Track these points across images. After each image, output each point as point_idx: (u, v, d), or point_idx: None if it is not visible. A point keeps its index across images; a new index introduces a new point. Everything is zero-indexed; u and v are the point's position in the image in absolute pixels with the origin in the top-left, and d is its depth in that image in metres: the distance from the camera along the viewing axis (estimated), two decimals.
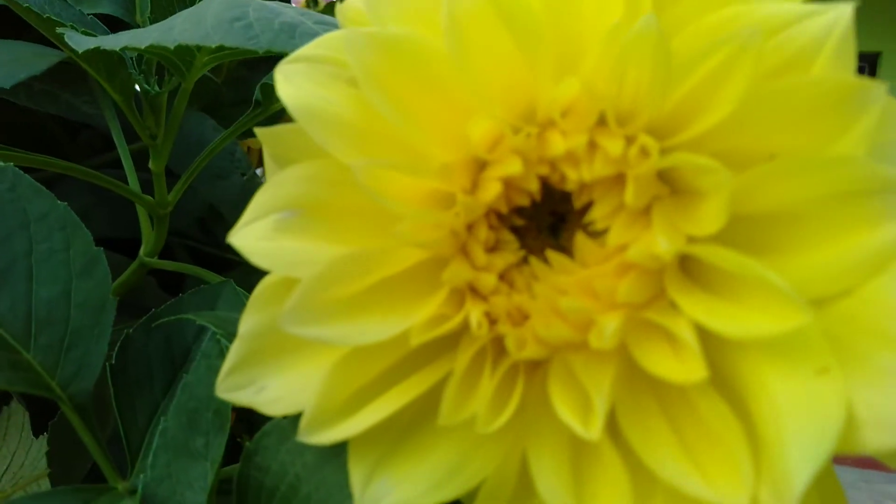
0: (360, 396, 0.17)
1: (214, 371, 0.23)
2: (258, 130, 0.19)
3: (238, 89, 0.52)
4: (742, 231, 0.15)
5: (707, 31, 0.16)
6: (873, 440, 0.13)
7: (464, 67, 0.16)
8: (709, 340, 0.14)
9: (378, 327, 0.16)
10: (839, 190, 0.14)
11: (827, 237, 0.14)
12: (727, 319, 0.14)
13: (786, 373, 0.14)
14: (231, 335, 0.23)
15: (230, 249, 0.61)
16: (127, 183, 0.40)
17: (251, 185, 0.50)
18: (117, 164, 0.41)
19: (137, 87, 0.37)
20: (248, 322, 0.18)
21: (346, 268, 0.16)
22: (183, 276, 0.52)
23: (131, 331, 0.25)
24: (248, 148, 0.65)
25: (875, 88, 0.14)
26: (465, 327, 0.16)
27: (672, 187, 0.16)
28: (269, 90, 0.37)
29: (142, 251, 0.40)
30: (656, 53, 0.14)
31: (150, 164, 0.37)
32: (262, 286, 0.19)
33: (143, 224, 0.39)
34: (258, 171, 0.68)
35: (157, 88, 0.35)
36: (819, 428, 0.13)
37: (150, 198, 0.37)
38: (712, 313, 0.14)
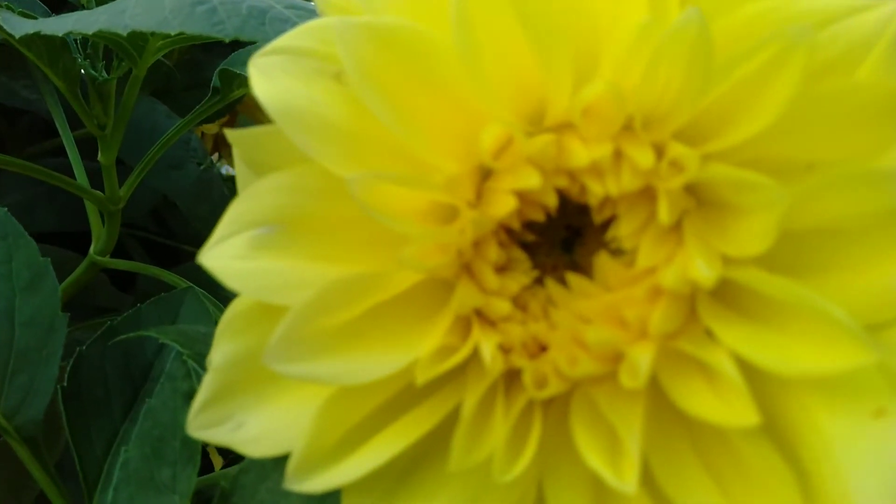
0: (355, 435, 0.15)
1: (180, 394, 0.21)
2: (229, 133, 0.17)
3: (192, 72, 0.49)
4: (783, 248, 0.14)
5: (745, 26, 0.14)
6: None
7: (471, 64, 0.14)
8: (748, 372, 0.13)
9: (376, 363, 0.14)
10: (891, 207, 0.13)
11: (879, 257, 0.13)
12: (773, 353, 0.13)
13: (841, 413, 0.12)
14: (198, 354, 0.21)
15: (186, 239, 0.58)
16: (73, 174, 0.37)
17: (207, 176, 0.47)
18: (63, 151, 0.38)
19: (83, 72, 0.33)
20: (222, 351, 0.16)
21: (337, 295, 0.14)
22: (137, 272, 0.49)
23: (84, 348, 0.23)
24: (202, 133, 0.62)
25: None
26: (473, 357, 0.15)
27: (698, 198, 0.14)
28: (228, 76, 0.34)
29: (92, 249, 0.37)
30: (696, 51, 0.13)
31: (100, 157, 0.34)
32: (236, 309, 0.17)
33: (92, 221, 0.36)
34: (213, 159, 0.64)
35: (105, 74, 0.32)
36: (884, 478, 0.11)
37: (99, 193, 0.35)
38: (755, 344, 0.13)
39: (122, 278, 0.49)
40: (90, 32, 0.20)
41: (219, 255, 0.15)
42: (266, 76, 0.16)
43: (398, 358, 0.14)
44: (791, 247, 0.14)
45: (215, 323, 0.26)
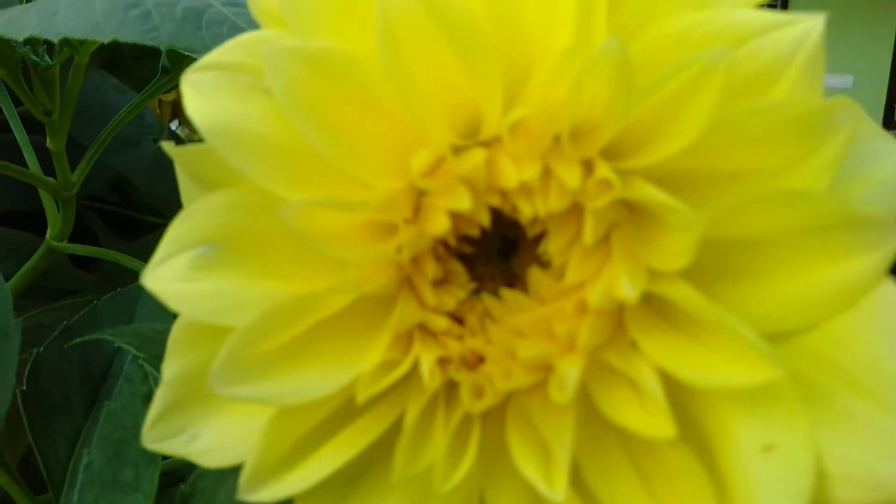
0: (302, 447, 0.16)
1: (139, 397, 0.21)
2: (169, 150, 0.17)
3: None
4: (707, 255, 0.14)
5: (668, 41, 0.14)
6: (844, 495, 0.12)
7: (399, 81, 0.14)
8: (671, 382, 0.14)
9: (319, 381, 0.15)
10: (807, 223, 0.13)
11: (794, 268, 0.14)
12: (693, 366, 0.13)
13: (754, 422, 0.13)
14: (154, 357, 0.21)
15: (147, 210, 0.57)
16: (24, 158, 0.36)
17: (165, 153, 0.46)
18: (8, 127, 0.37)
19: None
20: (173, 367, 0.17)
21: (278, 317, 0.15)
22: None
23: (42, 349, 0.23)
24: (160, 101, 0.60)
25: (844, 112, 0.13)
26: (414, 369, 0.15)
27: (629, 207, 0.15)
28: (178, 56, 0.33)
29: (49, 234, 0.36)
30: (618, 74, 0.13)
31: (49, 144, 0.33)
32: (185, 322, 0.17)
33: (47, 206, 0.36)
34: (173, 126, 0.63)
35: (47, 60, 0.31)
36: (790, 488, 0.12)
37: (51, 180, 0.34)
38: (677, 358, 0.13)
39: (83, 256, 0.49)
40: (21, 39, 0.19)
41: (161, 277, 0.16)
42: (199, 93, 0.16)
43: (340, 375, 0.15)
44: (716, 254, 0.14)
45: (173, 316, 0.26)
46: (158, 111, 0.57)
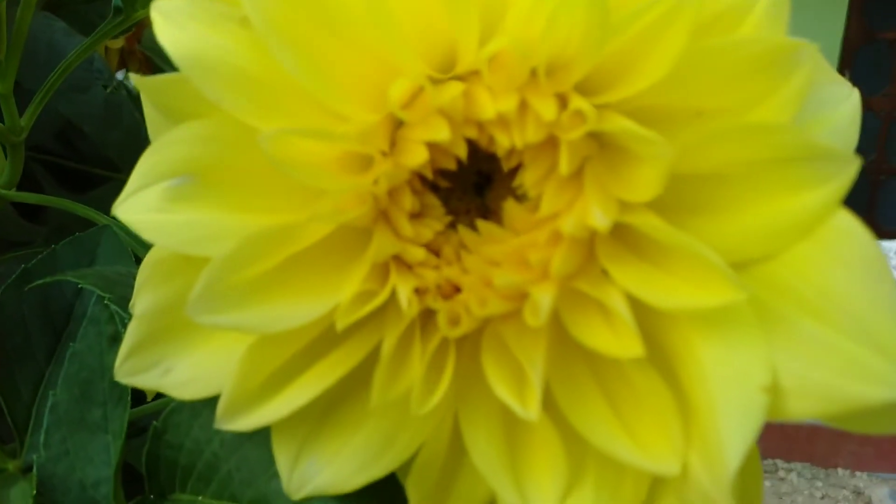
0: (280, 376, 0.16)
1: (105, 337, 0.21)
2: (136, 80, 0.17)
3: None
4: (672, 190, 0.15)
5: None
6: (797, 408, 0.13)
7: (377, 14, 0.14)
8: (641, 306, 0.14)
9: (298, 309, 0.15)
10: (768, 156, 0.14)
11: (754, 200, 0.14)
12: (660, 291, 0.14)
13: (715, 343, 0.14)
14: (120, 298, 0.21)
15: (96, 162, 0.56)
16: None
17: (116, 99, 0.45)
18: None
19: None
20: (146, 300, 0.17)
21: (255, 247, 0.15)
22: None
23: (0, 293, 0.23)
24: (107, 49, 0.58)
25: (805, 50, 0.14)
26: (391, 299, 0.16)
27: (600, 142, 0.15)
28: None
29: None
30: (593, 10, 0.13)
31: None
32: (156, 256, 0.17)
33: None
34: (120, 76, 0.61)
35: None
36: (748, 402, 0.13)
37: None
38: (645, 284, 0.14)
39: (30, 209, 0.47)
40: None
41: (134, 209, 0.15)
42: (171, 21, 0.15)
43: (318, 305, 0.15)
44: (680, 189, 0.15)
45: (135, 260, 0.26)
46: (105, 59, 0.55)
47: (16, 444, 0.21)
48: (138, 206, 0.15)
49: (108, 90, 0.43)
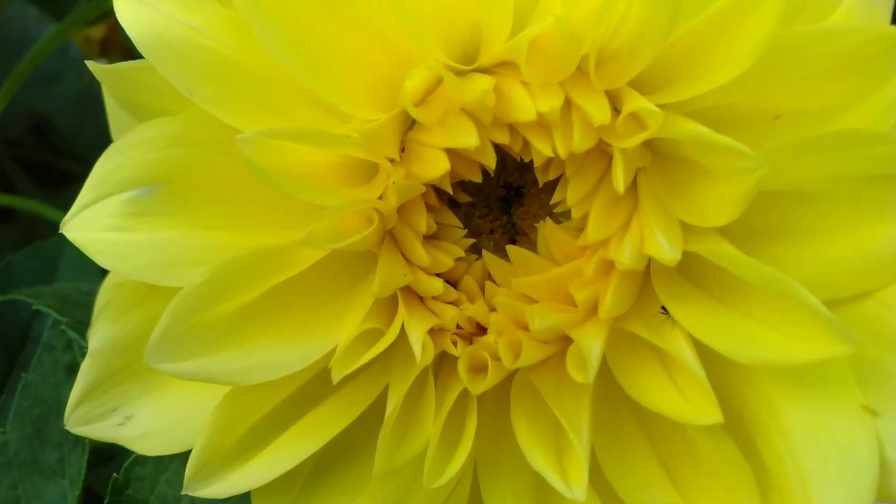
0: (261, 431, 0.13)
1: (61, 367, 0.18)
2: (94, 69, 0.14)
3: None
4: (746, 210, 0.12)
5: None
6: None
7: None
8: (705, 351, 0.12)
9: (284, 356, 0.12)
10: (867, 172, 0.11)
11: (849, 225, 0.12)
12: (736, 338, 0.11)
13: (805, 405, 0.11)
14: (79, 323, 0.18)
15: (70, 156, 0.53)
16: None
17: (91, 90, 0.41)
18: None
19: None
20: (101, 335, 0.14)
21: (232, 276, 0.12)
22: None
23: None
24: (87, 38, 0.55)
25: None
26: (398, 336, 0.13)
27: (654, 150, 0.13)
28: None
29: None
30: None
31: None
32: (114, 284, 0.14)
33: None
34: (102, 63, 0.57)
35: None
36: (850, 479, 0.10)
37: None
38: (716, 328, 0.11)
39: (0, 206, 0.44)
40: None
41: (86, 226, 0.13)
42: None
43: (310, 349, 0.12)
44: (755, 208, 0.12)
45: (103, 275, 0.23)
46: (84, 48, 0.52)
47: None
48: (91, 222, 0.13)
49: (84, 82, 0.40)
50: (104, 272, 0.24)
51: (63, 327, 0.17)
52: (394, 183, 0.12)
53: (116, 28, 0.56)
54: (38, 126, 0.48)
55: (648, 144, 0.12)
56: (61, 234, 0.24)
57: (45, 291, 0.19)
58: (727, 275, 0.12)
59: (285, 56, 0.12)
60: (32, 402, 0.18)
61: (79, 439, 0.18)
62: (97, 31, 0.55)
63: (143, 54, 0.12)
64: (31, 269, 0.22)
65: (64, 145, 0.50)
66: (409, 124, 0.13)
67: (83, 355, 0.18)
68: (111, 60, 0.58)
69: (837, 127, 0.12)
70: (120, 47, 0.59)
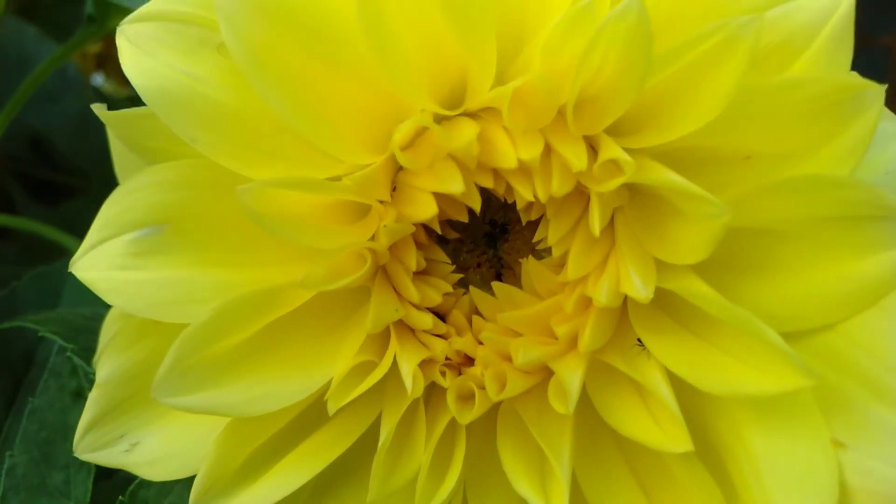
0: (261, 457, 0.14)
1: (67, 392, 0.19)
2: (100, 114, 0.14)
3: None
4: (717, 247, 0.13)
5: (686, 4, 0.13)
6: None
7: (380, 39, 0.12)
8: (680, 382, 0.12)
9: (283, 389, 0.13)
10: (831, 213, 0.12)
11: (814, 262, 0.12)
12: (708, 371, 0.12)
13: (771, 433, 0.12)
14: (84, 350, 0.19)
15: (70, 171, 0.53)
16: None
17: (89, 110, 0.42)
18: None
19: None
20: (110, 364, 0.14)
21: (234, 314, 0.13)
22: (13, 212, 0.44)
23: None
24: (84, 53, 0.55)
25: (872, 91, 0.12)
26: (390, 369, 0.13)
27: (632, 189, 0.13)
28: (105, 6, 0.30)
29: None
30: (637, 40, 0.11)
31: None
32: (120, 316, 0.15)
33: None
34: (98, 80, 0.58)
35: None
36: (813, 502, 0.11)
37: None
38: (689, 360, 0.12)
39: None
40: None
41: (94, 265, 0.13)
42: (138, 48, 0.13)
43: (307, 381, 0.13)
44: (726, 244, 0.13)
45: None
46: (80, 63, 0.52)
47: None
48: (99, 261, 0.13)
49: (82, 102, 0.41)
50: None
51: (69, 354, 0.18)
52: (385, 226, 0.13)
53: (113, 43, 0.56)
54: (36, 142, 0.49)
55: (625, 185, 0.13)
56: (65, 259, 0.25)
57: (50, 318, 0.20)
58: (700, 310, 0.12)
59: (279, 105, 0.12)
60: (39, 427, 0.19)
61: (85, 462, 0.18)
62: (94, 46, 0.55)
63: (148, 104, 0.13)
64: (35, 293, 0.22)
65: (62, 161, 0.50)
66: (399, 166, 0.14)
67: (88, 381, 0.19)
68: (108, 75, 0.59)
69: (803, 169, 0.13)
70: (117, 62, 0.59)
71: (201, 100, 0.13)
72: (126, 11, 0.34)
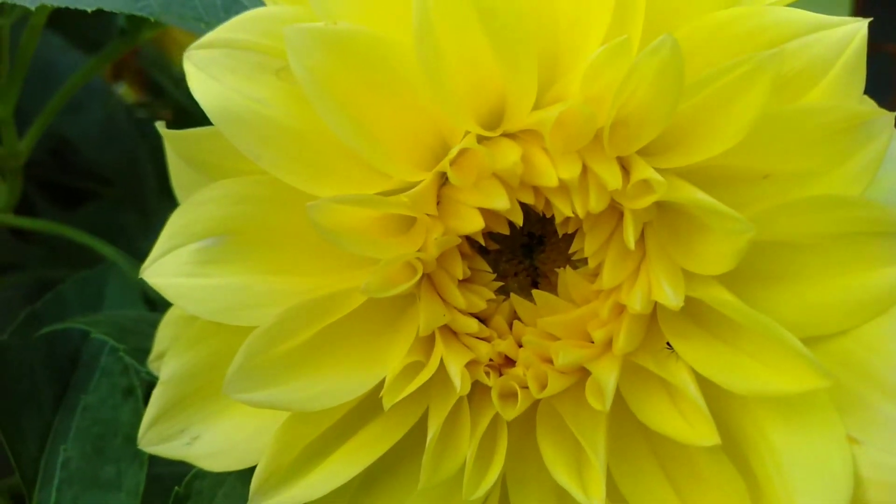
0: (316, 449, 0.15)
1: (119, 390, 0.20)
2: (164, 133, 0.16)
3: None
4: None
5: (706, 37, 0.14)
6: (877, 500, 0.13)
7: (433, 68, 0.13)
8: (705, 382, 0.14)
9: (342, 385, 0.14)
10: (843, 230, 0.13)
11: (830, 274, 0.14)
12: (731, 372, 0.13)
13: (791, 429, 0.13)
14: (135, 350, 0.20)
15: (87, 176, 0.54)
16: None
17: (113, 117, 0.43)
18: None
19: None
20: (173, 364, 0.16)
21: (295, 319, 0.14)
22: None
23: (6, 337, 0.21)
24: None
25: (882, 120, 0.13)
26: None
27: (660, 206, 0.15)
28: (137, 20, 0.31)
29: None
30: (670, 71, 0.12)
31: None
32: (181, 315, 0.16)
33: None
34: (118, 89, 0.59)
35: None
36: (830, 492, 0.12)
37: None
38: (714, 362, 0.13)
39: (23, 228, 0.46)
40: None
41: (163, 272, 0.14)
42: (204, 72, 0.14)
43: (363, 379, 0.14)
44: (748, 257, 0.14)
45: (143, 302, 0.25)
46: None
47: (25, 496, 0.20)
48: (168, 269, 0.14)
49: (107, 111, 0.42)
50: (146, 298, 0.25)
51: (121, 353, 0.19)
52: (436, 238, 0.14)
53: (131, 54, 0.57)
54: (56, 148, 0.50)
55: (654, 202, 0.14)
56: (106, 263, 0.26)
57: (99, 320, 0.21)
58: (723, 316, 0.14)
59: (338, 127, 0.14)
60: (91, 423, 0.20)
61: (136, 455, 0.19)
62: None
63: (216, 125, 0.14)
64: (80, 296, 0.24)
65: (81, 166, 0.51)
66: (443, 182, 0.15)
67: (139, 379, 0.20)
68: (126, 83, 0.60)
69: (818, 188, 0.14)
70: (133, 70, 0.60)
71: (263, 121, 0.14)
72: (157, 26, 0.35)
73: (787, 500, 0.13)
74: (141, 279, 0.24)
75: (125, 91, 0.60)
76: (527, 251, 0.16)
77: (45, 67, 0.42)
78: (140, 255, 0.21)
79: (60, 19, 0.46)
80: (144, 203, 0.44)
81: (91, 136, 0.41)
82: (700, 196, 0.13)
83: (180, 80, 0.49)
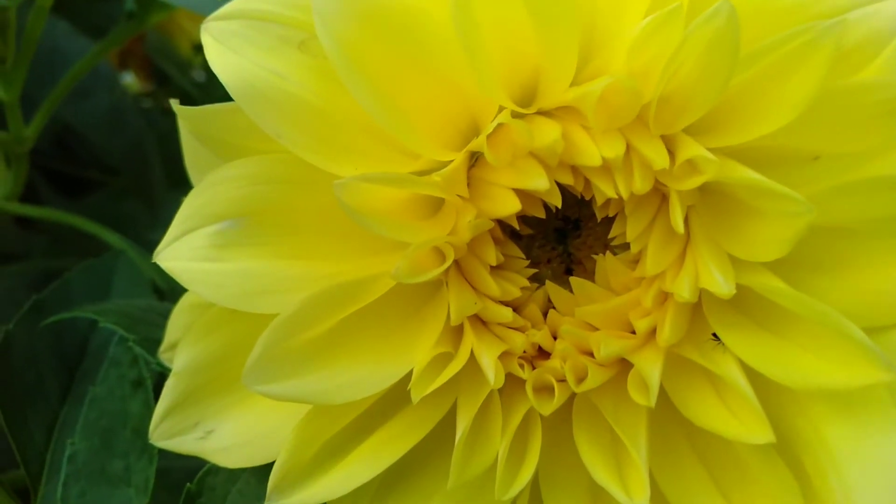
0: (337, 444, 0.14)
1: (127, 382, 0.19)
2: (178, 109, 0.15)
3: None
4: None
5: (763, 4, 0.13)
6: None
7: (470, 40, 0.12)
8: (753, 375, 0.13)
9: (367, 377, 0.13)
10: None
11: (883, 260, 0.13)
12: (784, 365, 0.12)
13: (847, 426, 0.12)
14: (145, 340, 0.19)
15: (91, 165, 0.53)
16: None
17: (120, 104, 0.42)
18: None
19: None
20: (186, 354, 0.15)
21: (317, 307, 0.13)
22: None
23: (12, 327, 0.21)
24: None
25: None
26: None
27: (703, 189, 0.14)
28: (146, 1, 0.30)
29: None
30: (725, 43, 0.11)
31: (1, 94, 0.30)
32: (195, 302, 0.16)
33: None
34: (124, 78, 0.58)
35: (3, 1, 0.27)
36: (892, 492, 0.12)
37: (2, 133, 0.31)
38: (764, 355, 0.12)
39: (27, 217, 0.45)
40: None
41: (178, 256, 0.14)
42: (223, 45, 0.13)
43: (389, 370, 0.13)
44: (800, 243, 0.13)
45: (152, 291, 0.24)
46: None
47: (29, 490, 0.20)
48: (183, 252, 0.14)
49: (114, 97, 0.41)
50: (155, 288, 0.25)
51: (130, 343, 0.18)
52: (469, 221, 0.13)
53: (137, 41, 0.57)
54: (60, 136, 0.49)
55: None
56: (112, 252, 0.25)
57: (108, 309, 0.20)
58: (773, 305, 0.13)
59: (367, 101, 0.13)
60: (99, 415, 0.19)
61: (145, 449, 0.19)
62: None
63: (236, 100, 0.13)
64: (87, 284, 0.23)
65: (85, 153, 0.50)
66: (472, 163, 0.14)
67: (149, 370, 0.20)
68: (131, 71, 0.59)
69: (871, 170, 0.13)
70: (138, 58, 0.59)
71: (285, 96, 0.13)
72: (166, 7, 0.34)
73: (845, 499, 0.12)
74: (150, 268, 0.23)
75: (131, 81, 0.59)
76: (560, 236, 0.15)
77: (51, 53, 0.41)
78: (147, 246, 0.20)
79: (67, 4, 0.46)
80: (151, 193, 0.43)
81: (97, 123, 0.40)
82: (755, 176, 0.12)
83: (186, 68, 0.49)
